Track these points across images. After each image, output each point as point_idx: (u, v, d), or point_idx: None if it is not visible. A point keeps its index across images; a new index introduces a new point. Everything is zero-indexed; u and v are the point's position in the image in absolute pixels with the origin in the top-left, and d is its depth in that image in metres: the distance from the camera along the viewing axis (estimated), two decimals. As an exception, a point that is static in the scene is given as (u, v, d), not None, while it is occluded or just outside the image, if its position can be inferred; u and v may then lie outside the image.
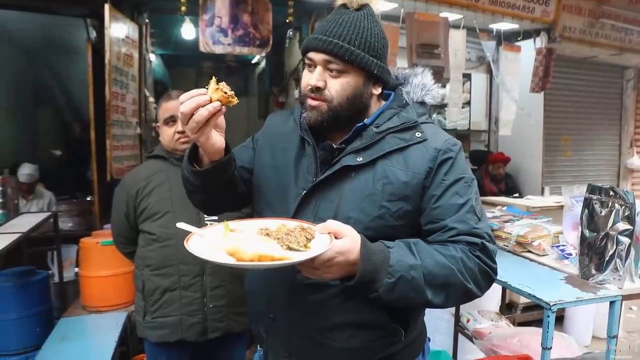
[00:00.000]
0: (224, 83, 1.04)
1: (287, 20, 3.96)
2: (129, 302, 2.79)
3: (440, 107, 5.55)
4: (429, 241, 1.11)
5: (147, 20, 4.18)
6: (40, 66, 6.06)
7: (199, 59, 7.46)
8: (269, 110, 6.65)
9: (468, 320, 2.82)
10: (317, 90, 1.14)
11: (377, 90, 1.22)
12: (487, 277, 1.11)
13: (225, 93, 1.03)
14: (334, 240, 0.97)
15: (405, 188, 1.12)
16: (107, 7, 3.30)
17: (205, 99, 1.02)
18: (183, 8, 3.56)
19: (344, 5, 1.18)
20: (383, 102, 1.25)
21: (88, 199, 4.29)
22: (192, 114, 1.02)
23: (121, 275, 2.75)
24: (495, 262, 1.12)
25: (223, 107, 1.04)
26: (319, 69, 1.15)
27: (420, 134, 1.17)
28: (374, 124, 1.18)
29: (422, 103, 1.26)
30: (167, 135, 1.97)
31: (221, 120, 1.09)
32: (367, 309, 1.12)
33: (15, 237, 2.38)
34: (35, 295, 2.66)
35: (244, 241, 0.94)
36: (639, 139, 6.93)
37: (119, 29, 3.49)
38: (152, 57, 5.39)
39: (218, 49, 3.59)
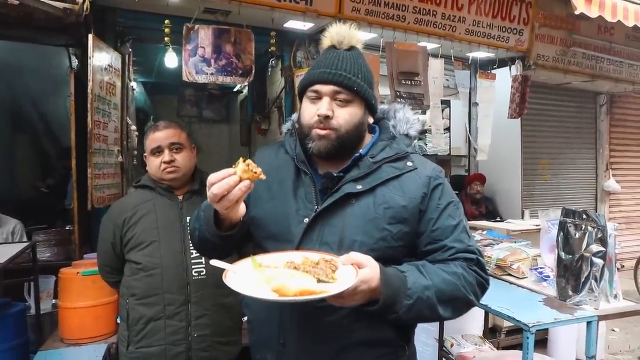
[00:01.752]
0: (250, 161, 1.09)
1: (269, 50, 4.03)
2: (109, 333, 2.72)
3: (421, 133, 5.65)
4: (429, 260, 1.22)
5: (130, 49, 4.22)
6: (21, 95, 6.02)
7: (181, 86, 7.52)
8: (251, 138, 6.68)
9: (452, 345, 2.83)
10: (326, 119, 1.23)
11: (371, 120, 1.35)
12: (482, 287, 1.24)
13: (255, 172, 1.08)
14: (359, 270, 1.04)
15: (404, 212, 1.22)
16: (91, 37, 3.32)
17: (236, 180, 1.07)
18: (167, 38, 3.60)
19: (334, 47, 1.30)
20: (369, 134, 1.36)
21: (67, 227, 4.21)
22: (224, 195, 1.07)
23: (101, 306, 2.69)
24: (487, 274, 1.25)
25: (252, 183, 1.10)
26: (326, 99, 1.24)
27: (411, 163, 1.29)
28: (369, 154, 1.28)
29: (407, 135, 1.38)
30: (154, 165, 2.00)
31: None
32: (376, 327, 1.20)
33: (-9, 268, 2.33)
34: (11, 329, 2.58)
35: (286, 277, 1.01)
36: (614, 162, 7.14)
37: (102, 58, 3.51)
38: (134, 84, 5.40)
39: (201, 79, 3.63)
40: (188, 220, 1.96)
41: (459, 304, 1.19)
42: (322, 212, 1.23)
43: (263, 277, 1.03)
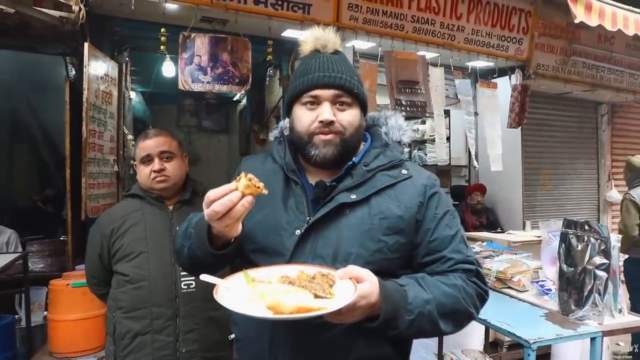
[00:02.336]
0: (252, 175, 1.03)
1: (267, 59, 4.01)
2: (99, 347, 2.66)
3: (421, 143, 5.62)
4: (427, 272, 1.17)
5: (127, 59, 4.20)
6: (18, 104, 6.01)
7: (180, 96, 7.51)
8: (250, 147, 6.65)
9: (451, 360, 2.75)
10: (329, 124, 1.18)
11: (365, 123, 1.30)
12: (482, 299, 1.20)
13: (258, 187, 1.03)
14: (358, 285, 0.99)
15: (400, 222, 1.17)
16: (86, 45, 3.30)
17: (238, 196, 1.01)
18: (162, 47, 3.58)
19: (317, 51, 1.26)
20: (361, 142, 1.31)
21: (61, 238, 4.16)
22: (226, 212, 1.02)
23: (91, 318, 2.64)
24: (487, 285, 1.22)
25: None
26: (327, 104, 1.19)
27: (406, 171, 1.24)
28: (362, 162, 1.23)
29: (400, 142, 1.33)
30: (144, 174, 1.95)
31: None
32: (374, 344, 1.14)
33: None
34: (-1, 342, 2.53)
35: (281, 293, 0.95)
36: (616, 172, 7.06)
37: (98, 67, 3.49)
38: (133, 94, 5.38)
39: (197, 87, 3.60)
40: (178, 231, 1.91)
41: (460, 318, 1.15)
42: (315, 224, 1.17)
43: (257, 293, 0.97)
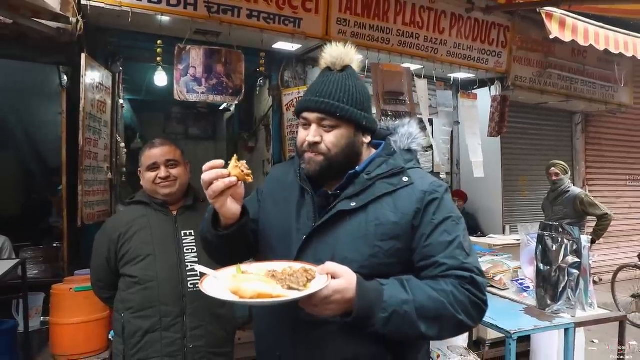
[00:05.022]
0: (243, 162, 1.20)
1: (258, 69, 4.14)
2: (101, 349, 2.74)
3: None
4: (422, 277, 1.21)
5: (120, 68, 4.28)
6: (9, 112, 6.01)
7: (168, 104, 7.57)
8: (237, 155, 6.74)
9: (438, 356, 2.90)
10: (314, 145, 1.28)
11: (367, 139, 1.36)
12: (478, 308, 1.19)
13: (243, 171, 1.18)
14: (330, 280, 1.07)
15: (395, 228, 1.23)
16: (83, 56, 3.38)
17: (225, 173, 1.17)
18: (159, 58, 3.68)
19: (328, 68, 1.33)
20: (373, 150, 1.39)
21: (54, 245, 4.20)
22: (212, 183, 1.17)
23: (93, 322, 2.71)
24: (484, 294, 1.21)
25: (239, 182, 1.19)
26: (314, 126, 1.28)
27: (407, 179, 1.29)
28: (365, 171, 1.30)
29: (409, 150, 1.40)
30: (149, 179, 2.05)
31: (240, 190, 1.23)
32: (366, 343, 1.21)
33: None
34: (3, 346, 2.58)
35: (246, 282, 1.06)
36: (590, 179, 7.37)
37: (93, 77, 3.57)
38: (122, 102, 5.44)
39: (192, 98, 3.71)
40: (183, 235, 2.03)
41: (446, 324, 1.15)
42: (317, 230, 1.26)
43: (235, 282, 1.07)
